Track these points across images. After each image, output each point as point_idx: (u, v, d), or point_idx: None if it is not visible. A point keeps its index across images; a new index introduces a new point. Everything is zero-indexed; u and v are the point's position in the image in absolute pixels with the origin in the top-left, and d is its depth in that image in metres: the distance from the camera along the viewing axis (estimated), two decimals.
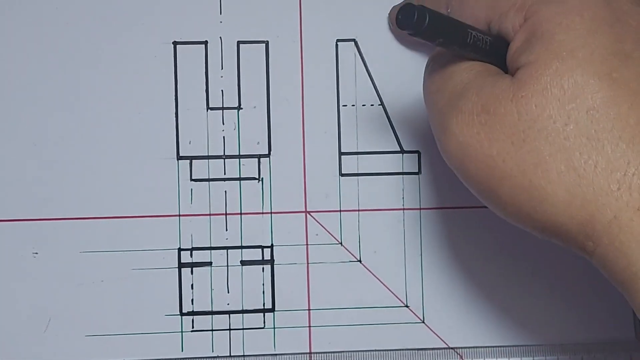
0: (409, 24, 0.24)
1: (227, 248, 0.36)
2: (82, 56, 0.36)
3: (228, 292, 0.36)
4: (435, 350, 0.36)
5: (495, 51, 0.27)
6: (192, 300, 0.36)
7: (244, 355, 0.36)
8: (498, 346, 0.36)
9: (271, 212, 0.36)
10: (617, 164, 0.23)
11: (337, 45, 0.37)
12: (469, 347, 0.36)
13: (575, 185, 0.24)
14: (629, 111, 0.24)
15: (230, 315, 0.36)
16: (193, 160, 0.36)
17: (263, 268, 0.36)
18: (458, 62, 0.28)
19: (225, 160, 0.36)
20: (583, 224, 0.24)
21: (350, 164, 0.37)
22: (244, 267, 0.36)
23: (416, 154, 0.37)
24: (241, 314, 0.36)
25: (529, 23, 0.26)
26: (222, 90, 0.36)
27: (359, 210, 0.37)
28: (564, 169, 0.24)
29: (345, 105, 0.37)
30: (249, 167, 0.36)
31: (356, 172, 0.37)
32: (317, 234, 0.36)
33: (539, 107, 0.24)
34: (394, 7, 0.36)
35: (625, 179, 0.23)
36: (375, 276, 0.36)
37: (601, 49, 0.24)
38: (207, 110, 0.36)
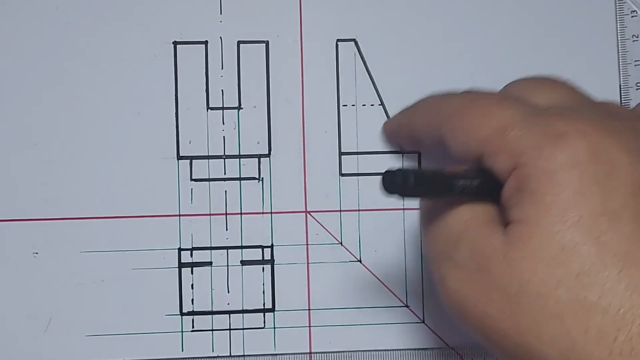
0: (394, 189, 0.25)
1: (227, 248, 0.36)
2: (82, 56, 0.36)
3: (228, 292, 0.36)
4: (435, 350, 0.36)
5: (486, 191, 0.27)
6: (192, 300, 0.36)
7: (244, 355, 0.36)
8: None
9: (271, 212, 0.36)
10: (608, 332, 0.23)
11: (337, 45, 0.37)
12: (469, 347, 0.36)
13: (568, 349, 0.24)
14: (618, 276, 0.23)
15: (231, 315, 0.36)
16: (193, 160, 0.36)
17: (263, 268, 0.36)
18: (449, 208, 0.28)
19: (226, 160, 0.36)
20: None
21: (350, 164, 0.37)
22: (244, 267, 0.36)
23: (416, 154, 0.37)
24: (241, 314, 0.36)
25: (519, 174, 0.25)
26: (222, 90, 0.36)
27: (359, 210, 0.37)
28: (557, 334, 0.24)
29: (346, 105, 0.37)
30: (249, 167, 0.36)
31: (356, 172, 0.37)
32: (317, 234, 0.36)
33: (530, 270, 0.24)
34: (384, 123, 0.36)
35: (615, 345, 0.23)
36: (375, 276, 0.36)
37: (590, 211, 0.24)
38: (207, 110, 0.36)
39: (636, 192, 0.24)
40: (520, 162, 0.25)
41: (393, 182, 0.25)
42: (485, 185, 0.27)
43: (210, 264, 0.36)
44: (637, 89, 0.38)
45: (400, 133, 0.35)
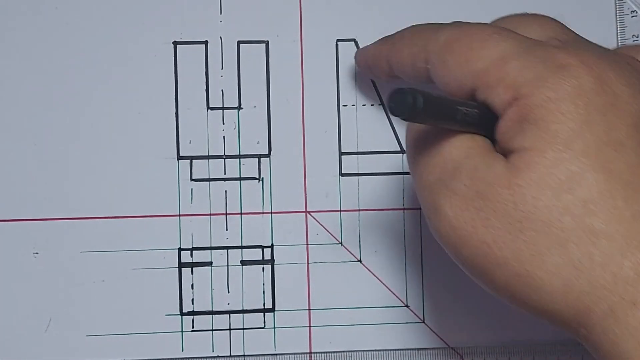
0: (403, 110, 0.24)
1: (227, 248, 0.36)
2: (82, 56, 0.36)
3: (228, 292, 0.36)
4: (435, 350, 0.36)
5: (483, 123, 0.27)
6: (193, 300, 0.36)
7: (244, 355, 0.36)
8: (498, 346, 0.36)
9: (271, 212, 0.36)
10: (614, 258, 0.23)
11: (337, 45, 0.37)
12: (469, 347, 0.36)
13: (572, 277, 0.24)
14: (624, 204, 0.24)
15: (231, 315, 0.36)
16: (193, 160, 0.36)
17: (263, 268, 0.36)
18: (446, 136, 0.27)
19: (226, 160, 0.36)
20: (578, 313, 0.24)
21: (350, 164, 0.37)
22: (244, 267, 0.36)
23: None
24: (241, 314, 0.36)
25: (521, 105, 0.25)
26: (222, 90, 0.36)
27: (359, 210, 0.37)
28: (561, 262, 0.24)
29: (346, 105, 0.37)
30: (249, 167, 0.36)
31: (356, 172, 0.37)
32: (317, 234, 0.36)
33: (535, 197, 0.24)
34: (358, 50, 0.36)
35: (621, 272, 0.23)
36: (375, 276, 0.36)
37: (596, 140, 0.24)
38: (207, 110, 0.36)
39: (637, 123, 0.25)
40: (522, 92, 0.25)
41: (403, 102, 0.24)
42: (484, 117, 0.27)
43: (210, 264, 0.36)
44: None
45: (377, 64, 0.33)
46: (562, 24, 0.30)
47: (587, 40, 0.29)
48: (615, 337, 0.23)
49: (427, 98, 0.24)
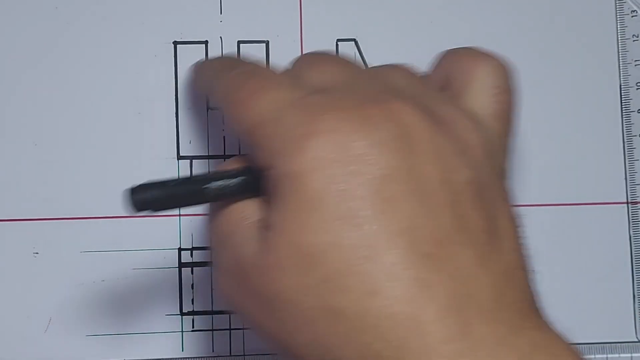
0: (137, 206, 0.25)
1: None
2: (82, 56, 0.36)
3: None
4: None
5: (251, 186, 0.26)
6: (193, 300, 0.36)
7: (244, 355, 0.36)
8: None
9: None
10: (356, 335, 0.23)
11: (337, 45, 0.37)
12: None
13: (324, 354, 0.23)
14: (360, 279, 0.23)
15: (231, 315, 0.36)
16: (193, 160, 0.36)
17: None
18: (221, 210, 0.27)
19: (226, 160, 0.36)
20: None
21: None
22: None
23: None
24: None
25: (270, 175, 0.25)
26: None
27: None
28: (312, 340, 0.24)
29: None
30: None
31: None
32: None
33: (278, 279, 0.24)
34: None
35: (364, 348, 0.23)
36: None
37: (329, 214, 0.23)
38: (207, 110, 0.36)
39: (378, 188, 0.23)
40: (272, 163, 0.25)
41: (132, 200, 0.25)
42: (251, 183, 0.26)
43: (210, 263, 0.36)
44: (637, 89, 0.38)
45: (197, 84, 0.35)
46: (343, 61, 0.29)
47: (362, 76, 0.28)
48: None
49: (160, 188, 0.25)
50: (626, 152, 0.38)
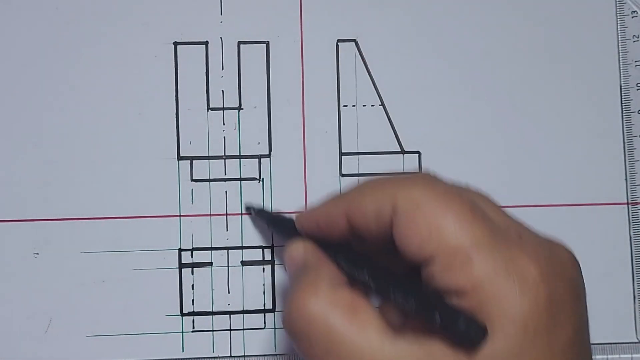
0: None
1: (227, 248, 0.36)
2: (83, 56, 0.36)
3: (229, 293, 0.36)
4: None
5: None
6: (193, 300, 0.36)
7: (244, 356, 0.36)
8: None
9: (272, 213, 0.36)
10: None
11: (337, 45, 0.37)
12: None
13: None
14: None
15: (231, 315, 0.36)
16: (194, 161, 0.36)
17: (264, 268, 0.36)
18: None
19: (226, 160, 0.36)
20: None
21: (350, 164, 0.37)
22: (244, 267, 0.36)
23: (416, 154, 0.37)
24: (242, 314, 0.36)
25: (476, 297, 0.25)
26: (222, 91, 0.36)
27: None
28: None
29: (346, 106, 0.37)
30: (250, 168, 0.36)
31: (357, 172, 0.37)
32: None
33: None
34: (301, 214, 0.32)
35: None
36: None
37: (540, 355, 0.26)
38: (207, 111, 0.36)
39: (574, 337, 0.28)
40: (481, 286, 0.25)
41: None
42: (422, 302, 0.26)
43: (210, 264, 0.36)
44: (637, 89, 0.38)
45: (333, 221, 0.30)
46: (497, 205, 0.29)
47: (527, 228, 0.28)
48: None
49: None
50: (626, 153, 0.38)
